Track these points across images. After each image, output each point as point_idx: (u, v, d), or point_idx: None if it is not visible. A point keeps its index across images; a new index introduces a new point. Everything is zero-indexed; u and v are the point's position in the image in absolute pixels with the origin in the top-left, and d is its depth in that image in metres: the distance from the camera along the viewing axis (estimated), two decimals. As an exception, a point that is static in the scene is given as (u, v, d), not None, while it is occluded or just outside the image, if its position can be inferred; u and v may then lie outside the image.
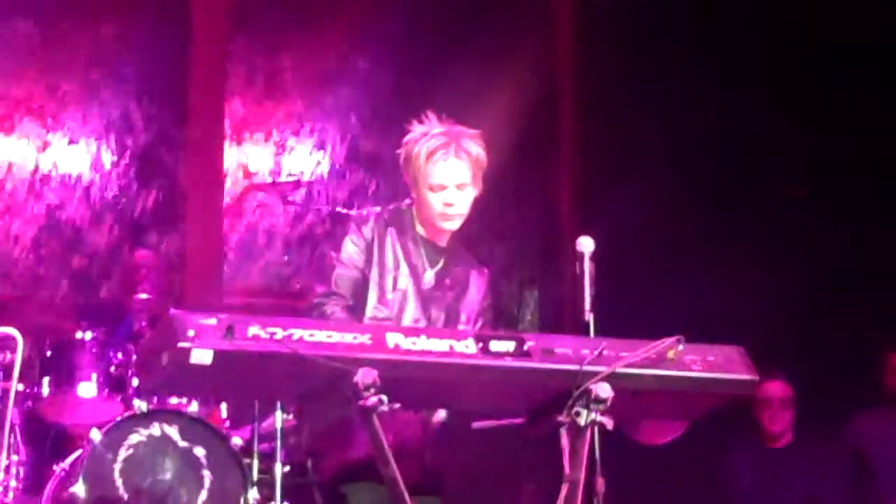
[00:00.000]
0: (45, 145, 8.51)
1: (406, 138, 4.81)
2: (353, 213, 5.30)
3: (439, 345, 4.01)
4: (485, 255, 7.89)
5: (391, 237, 4.80)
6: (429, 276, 4.82)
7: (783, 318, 7.75)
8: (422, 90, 8.56)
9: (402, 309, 4.73)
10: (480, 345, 4.03)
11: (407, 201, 4.91)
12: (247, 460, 6.50)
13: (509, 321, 8.89)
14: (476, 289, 4.90)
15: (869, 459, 7.47)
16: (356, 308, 4.73)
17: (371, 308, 4.72)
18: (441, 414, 4.71)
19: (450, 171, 4.73)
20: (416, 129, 4.80)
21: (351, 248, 4.78)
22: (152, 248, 8.25)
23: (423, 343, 4.00)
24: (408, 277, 4.77)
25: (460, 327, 4.81)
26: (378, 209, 4.92)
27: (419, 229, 4.86)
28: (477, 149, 4.77)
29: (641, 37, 8.41)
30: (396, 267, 4.78)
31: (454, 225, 4.83)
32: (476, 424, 4.69)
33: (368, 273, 4.76)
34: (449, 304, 4.83)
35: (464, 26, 9.16)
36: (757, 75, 8.25)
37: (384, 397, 3.88)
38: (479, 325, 4.87)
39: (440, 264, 4.85)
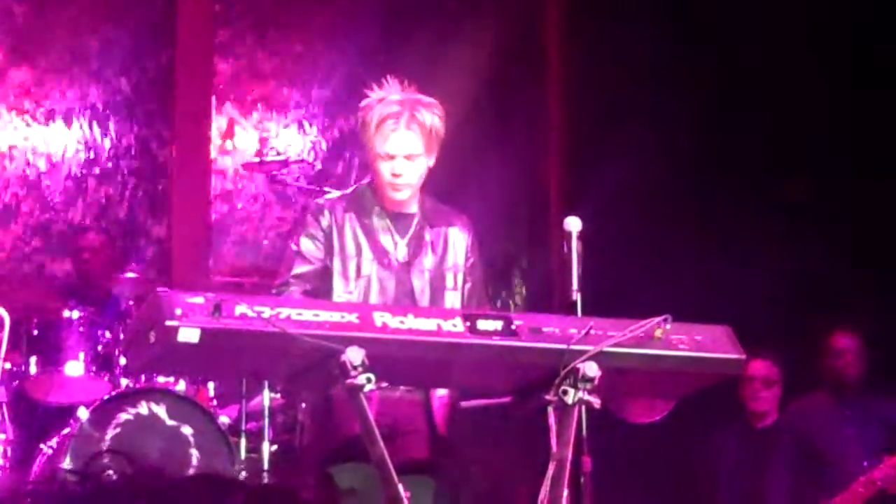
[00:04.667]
0: (34, 126, 8.49)
1: (363, 103, 4.74)
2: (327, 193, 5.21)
3: (427, 324, 4.01)
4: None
5: (350, 222, 4.72)
6: (402, 249, 4.76)
7: (773, 298, 7.74)
8: (409, 66, 8.53)
9: (367, 295, 4.67)
10: (468, 324, 4.03)
11: (367, 180, 4.85)
12: (234, 439, 6.51)
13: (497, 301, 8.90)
14: (458, 245, 4.81)
15: (819, 445, 7.36)
16: (319, 296, 4.65)
17: (337, 297, 4.67)
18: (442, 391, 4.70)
19: (399, 141, 4.65)
20: (374, 95, 4.73)
21: (309, 242, 4.71)
22: (101, 232, 8.23)
23: (410, 322, 4.00)
24: (371, 262, 4.70)
25: (447, 292, 4.76)
26: (336, 195, 4.85)
27: (381, 202, 4.77)
28: (432, 118, 4.68)
29: (632, 8, 8.38)
30: (359, 253, 4.70)
31: (403, 195, 4.74)
32: (464, 404, 4.70)
33: (330, 263, 4.70)
34: (433, 269, 4.77)
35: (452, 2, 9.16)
36: (755, 53, 8.22)
37: (372, 376, 3.88)
38: (467, 286, 4.81)
39: (411, 231, 4.78)
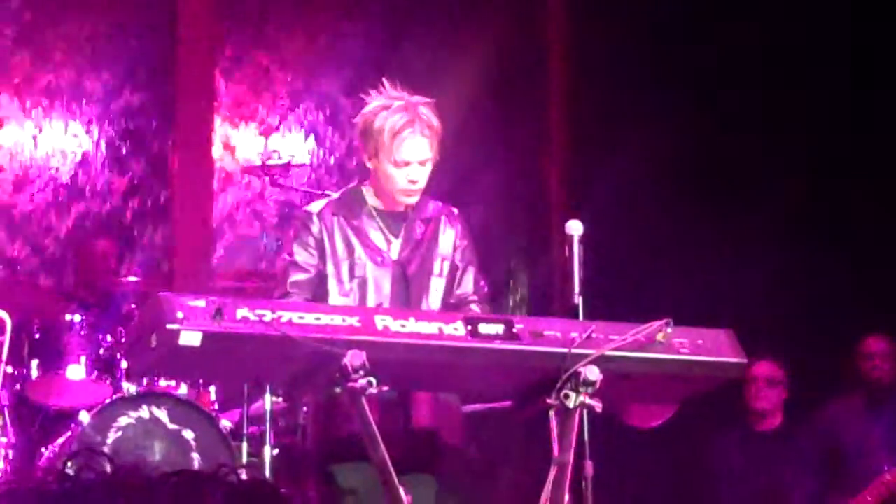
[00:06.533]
0: (35, 128, 8.48)
1: (364, 109, 4.74)
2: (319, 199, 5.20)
3: (428, 327, 4.01)
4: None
5: (339, 227, 4.73)
6: (395, 247, 4.76)
7: (777, 301, 7.74)
8: (410, 70, 8.55)
9: (364, 296, 4.68)
10: (469, 327, 4.03)
11: (354, 183, 4.88)
12: (236, 443, 6.51)
13: (497, 304, 8.89)
14: (448, 231, 4.82)
15: (843, 446, 7.40)
16: (317, 302, 4.66)
17: (333, 300, 4.66)
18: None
19: (414, 147, 4.68)
20: (375, 101, 4.74)
21: (302, 252, 4.72)
22: (110, 238, 8.22)
23: (411, 325, 4.00)
24: (365, 262, 4.72)
25: (433, 278, 4.74)
26: (322, 203, 4.83)
27: (375, 203, 4.79)
28: (436, 120, 4.72)
29: (633, 11, 8.36)
30: (350, 254, 4.71)
31: (414, 200, 4.77)
32: (466, 408, 4.70)
33: (324, 269, 4.71)
34: (423, 259, 4.77)
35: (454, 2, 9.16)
36: (756, 57, 8.22)
37: (373, 379, 3.88)
38: (459, 271, 4.78)
39: (404, 228, 4.79)
